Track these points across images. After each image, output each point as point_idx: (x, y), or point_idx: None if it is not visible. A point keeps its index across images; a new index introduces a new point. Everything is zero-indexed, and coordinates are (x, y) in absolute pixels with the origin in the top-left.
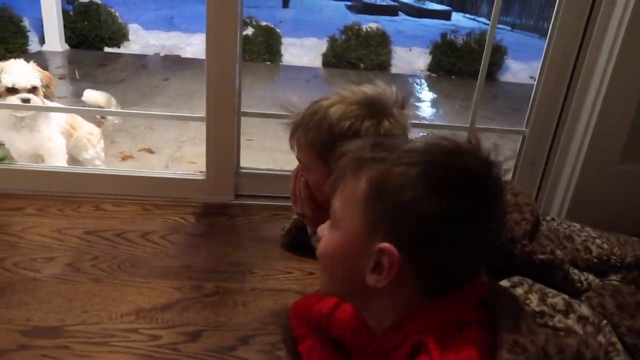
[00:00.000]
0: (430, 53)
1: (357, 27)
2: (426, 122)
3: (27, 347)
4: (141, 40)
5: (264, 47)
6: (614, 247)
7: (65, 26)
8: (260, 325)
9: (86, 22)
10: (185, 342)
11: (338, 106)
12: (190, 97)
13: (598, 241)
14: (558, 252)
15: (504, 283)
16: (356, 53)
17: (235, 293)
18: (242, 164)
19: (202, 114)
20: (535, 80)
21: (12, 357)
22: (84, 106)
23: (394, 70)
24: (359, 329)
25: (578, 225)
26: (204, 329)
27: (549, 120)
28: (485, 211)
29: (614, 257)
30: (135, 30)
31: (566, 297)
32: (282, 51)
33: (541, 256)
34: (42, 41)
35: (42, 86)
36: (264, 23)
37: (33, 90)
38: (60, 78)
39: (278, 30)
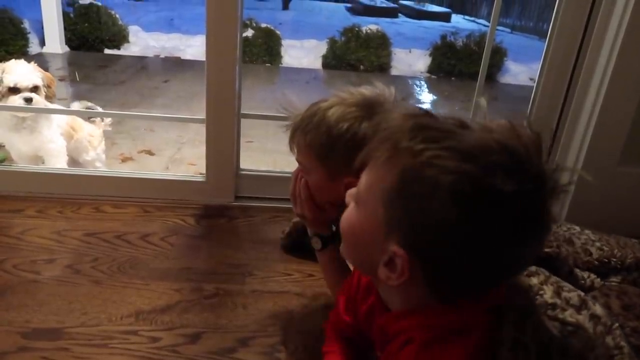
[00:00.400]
0: (430, 55)
1: (357, 29)
2: None
3: (27, 349)
4: (141, 42)
5: (264, 49)
6: (614, 249)
7: (65, 28)
8: (260, 327)
9: (86, 24)
10: (184, 344)
11: (336, 108)
12: (190, 98)
13: (598, 244)
14: (563, 249)
15: None
16: (356, 55)
17: (235, 295)
18: (242, 165)
19: (202, 115)
20: (535, 82)
21: (12, 359)
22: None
23: (394, 72)
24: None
25: (578, 228)
26: (204, 331)
27: (549, 122)
28: (519, 240)
29: (614, 259)
30: (135, 32)
31: (582, 294)
32: (282, 53)
33: (547, 249)
34: (42, 43)
35: (44, 86)
36: (263, 25)
37: (35, 89)
38: (60, 80)
39: (278, 32)
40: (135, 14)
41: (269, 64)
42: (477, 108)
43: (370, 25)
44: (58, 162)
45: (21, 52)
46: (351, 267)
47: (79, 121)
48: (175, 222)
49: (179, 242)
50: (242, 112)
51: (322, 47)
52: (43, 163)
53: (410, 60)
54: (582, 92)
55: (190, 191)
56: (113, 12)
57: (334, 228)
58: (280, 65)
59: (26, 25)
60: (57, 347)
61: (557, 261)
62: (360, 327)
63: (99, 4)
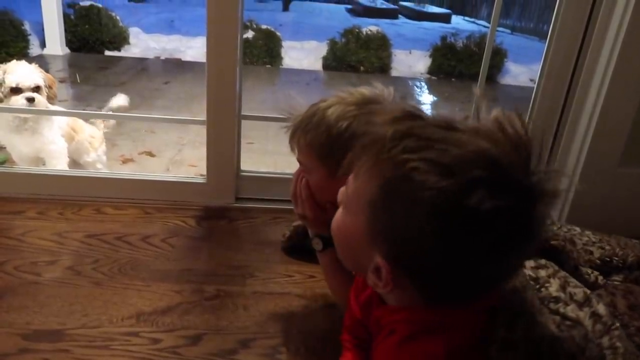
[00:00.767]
0: (431, 56)
1: (357, 30)
2: None
3: (28, 351)
4: (142, 44)
5: (265, 50)
6: (615, 248)
7: (66, 30)
8: (261, 329)
9: (87, 26)
10: (185, 345)
11: (335, 107)
12: (191, 100)
13: (599, 244)
14: (568, 244)
15: (529, 263)
16: (356, 56)
17: (236, 296)
18: (243, 167)
19: (203, 117)
20: (535, 83)
21: None
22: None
23: (394, 73)
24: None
25: (578, 229)
26: (205, 333)
27: (549, 123)
28: (502, 254)
29: (616, 258)
30: (136, 34)
31: (588, 291)
32: (283, 54)
33: (553, 242)
34: (42, 45)
35: (45, 87)
36: (264, 26)
37: (37, 89)
38: (61, 81)
39: (278, 33)
40: (136, 15)
41: (270, 66)
42: (474, 99)
43: (370, 26)
44: (59, 164)
45: (22, 54)
46: None
47: (79, 123)
48: (176, 223)
49: (180, 244)
50: (242, 113)
51: (323, 49)
52: (44, 165)
53: (411, 62)
54: (583, 93)
55: (191, 192)
56: (114, 14)
57: None
58: (280, 66)
59: (27, 27)
60: (57, 348)
61: (562, 255)
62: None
63: (100, 5)
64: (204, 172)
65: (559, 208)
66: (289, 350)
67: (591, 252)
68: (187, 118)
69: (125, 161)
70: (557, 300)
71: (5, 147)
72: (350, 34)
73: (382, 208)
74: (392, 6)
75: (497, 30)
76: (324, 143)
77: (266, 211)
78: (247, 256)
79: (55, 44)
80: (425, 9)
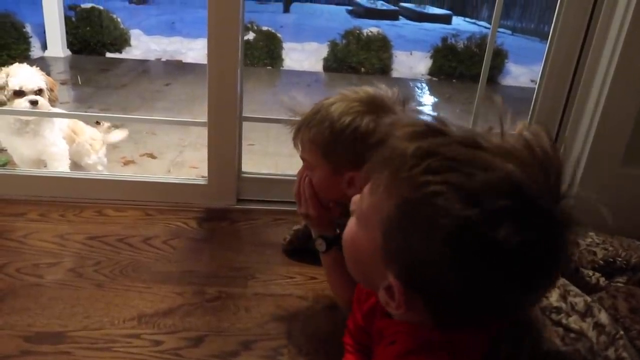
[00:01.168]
0: (431, 57)
1: (358, 32)
2: None
3: (30, 353)
4: (143, 46)
5: (265, 52)
6: (618, 249)
7: (67, 32)
8: (263, 330)
9: (88, 28)
10: (187, 347)
11: (339, 104)
12: (192, 101)
13: (602, 245)
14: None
15: None
16: (357, 57)
17: (237, 298)
18: (244, 168)
19: (204, 118)
20: (536, 84)
21: None
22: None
23: (395, 74)
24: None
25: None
26: (206, 334)
27: (550, 124)
28: (524, 286)
29: (620, 259)
30: (137, 36)
31: (588, 299)
32: (283, 56)
33: None
34: (44, 47)
35: (47, 89)
36: (265, 28)
37: (39, 92)
38: (62, 83)
39: (279, 35)
40: (137, 17)
41: (270, 67)
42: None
43: (371, 27)
44: (60, 166)
45: (23, 56)
46: None
47: (80, 125)
48: (178, 225)
49: (181, 245)
50: (243, 115)
51: (323, 50)
52: (45, 167)
53: (411, 63)
54: (584, 93)
55: (192, 194)
56: (115, 16)
57: (338, 230)
58: (281, 68)
59: (28, 29)
60: (59, 351)
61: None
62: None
63: (101, 7)
64: (205, 173)
65: None
66: (290, 352)
67: (594, 253)
68: (189, 120)
69: (126, 163)
70: (558, 310)
71: (6, 150)
72: (351, 35)
73: (397, 228)
74: (392, 7)
75: (498, 31)
76: (327, 139)
77: (267, 212)
78: (248, 258)
79: (57, 46)
80: (425, 10)
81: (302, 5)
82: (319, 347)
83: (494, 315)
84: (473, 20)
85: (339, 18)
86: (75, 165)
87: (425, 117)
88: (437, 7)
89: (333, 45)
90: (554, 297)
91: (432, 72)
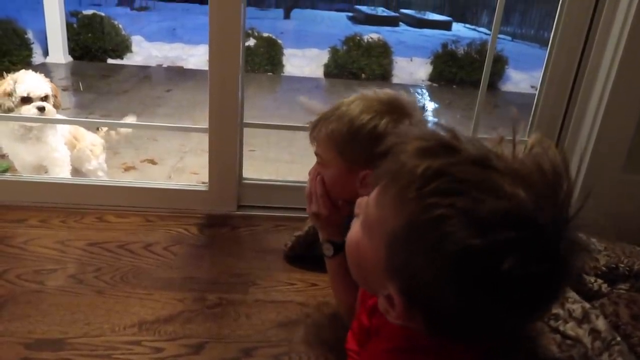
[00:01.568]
0: (432, 63)
1: (358, 38)
2: None
3: None
4: (144, 52)
5: (266, 58)
6: (620, 256)
7: (69, 38)
8: (264, 337)
9: (90, 34)
10: (188, 354)
11: (359, 102)
12: (193, 107)
13: (605, 252)
14: None
15: None
16: (358, 63)
17: (238, 304)
18: (245, 174)
19: (205, 124)
20: (536, 90)
21: None
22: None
23: (395, 80)
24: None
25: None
26: (207, 341)
27: (551, 130)
28: (525, 312)
29: (622, 266)
30: (138, 42)
31: (587, 306)
32: (284, 62)
33: None
34: (45, 53)
35: (52, 95)
36: (265, 34)
37: (45, 98)
38: (63, 90)
39: (280, 41)
40: (138, 23)
41: (271, 73)
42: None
43: (371, 34)
44: (62, 172)
45: (25, 62)
46: None
47: (81, 131)
48: (178, 231)
49: (182, 252)
50: (244, 121)
51: (324, 56)
52: (46, 172)
53: (412, 69)
54: (585, 99)
55: (193, 200)
56: (116, 22)
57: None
58: (282, 74)
59: (30, 35)
60: (59, 358)
61: None
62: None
63: (102, 14)
64: (206, 179)
65: None
66: (291, 359)
67: (597, 260)
68: (190, 126)
69: (127, 169)
70: (556, 317)
71: (7, 155)
72: (352, 41)
73: (402, 246)
74: (393, 14)
75: (498, 38)
76: (345, 135)
77: (268, 219)
78: (249, 264)
79: (58, 52)
80: (426, 17)
81: (302, 11)
82: (320, 354)
83: (491, 335)
84: (473, 27)
85: (339, 24)
86: (75, 171)
87: (437, 128)
88: (437, 13)
89: (334, 52)
90: None
91: (433, 78)
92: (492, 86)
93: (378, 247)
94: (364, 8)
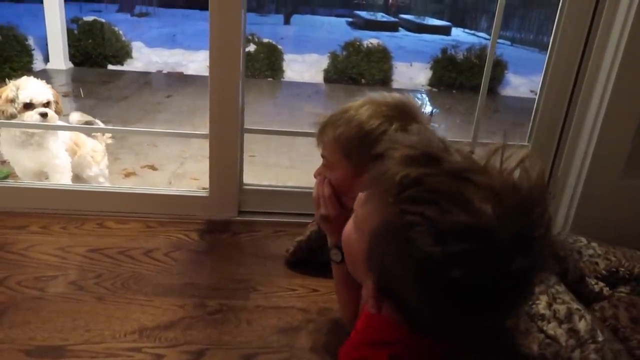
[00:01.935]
0: (431, 68)
1: (358, 43)
2: None
3: None
4: (144, 58)
5: (266, 64)
6: (621, 260)
7: (69, 44)
8: (265, 343)
9: (90, 40)
10: None
11: (368, 106)
12: (193, 113)
13: (604, 256)
14: (574, 254)
15: None
16: (357, 68)
17: (239, 310)
18: (245, 179)
19: (205, 130)
20: (536, 94)
21: None
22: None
23: (395, 85)
24: None
25: (584, 241)
26: (208, 348)
27: (551, 135)
28: (488, 316)
29: (622, 269)
30: (138, 48)
31: (573, 307)
32: (284, 67)
33: (561, 253)
34: (46, 59)
35: (54, 101)
36: (265, 40)
37: (47, 104)
38: (64, 96)
39: (280, 46)
40: (138, 30)
41: (271, 79)
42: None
43: (371, 39)
44: (63, 178)
45: (25, 69)
46: None
47: (82, 137)
48: (179, 237)
49: (183, 258)
50: (245, 127)
51: (324, 61)
52: (47, 179)
53: (411, 74)
54: (584, 104)
55: (193, 206)
56: (116, 29)
57: None
58: (282, 79)
59: (31, 41)
60: None
61: (569, 264)
62: None
63: (103, 20)
64: (206, 185)
65: (562, 219)
66: None
67: (596, 264)
68: (191, 132)
69: (127, 175)
70: (543, 317)
71: (7, 162)
72: (351, 46)
73: (378, 244)
74: (392, 19)
75: (497, 42)
76: (353, 139)
77: (269, 224)
78: (250, 270)
79: (59, 58)
80: (425, 22)
81: (302, 17)
82: None
83: (457, 332)
84: (472, 32)
85: (339, 30)
86: (76, 177)
87: (432, 137)
88: (437, 18)
89: (333, 57)
90: (542, 305)
91: (432, 83)
92: (492, 91)
93: (363, 240)
94: (363, 13)
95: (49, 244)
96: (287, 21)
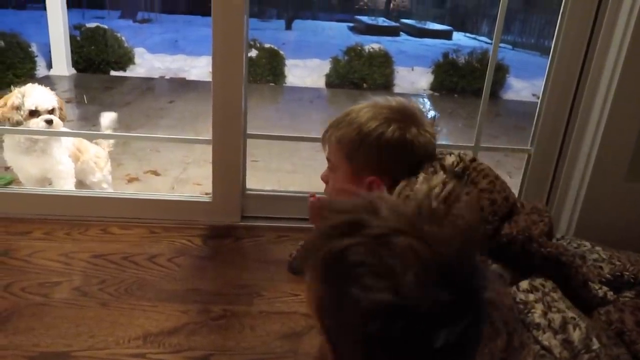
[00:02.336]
0: (433, 72)
1: (359, 48)
2: None
3: None
4: (147, 64)
5: (268, 69)
6: (626, 264)
7: (72, 51)
8: (268, 349)
9: (93, 47)
10: None
11: (369, 109)
12: (195, 118)
13: (609, 260)
14: (577, 260)
15: (524, 284)
16: (359, 73)
17: (243, 316)
18: (247, 185)
19: (207, 135)
20: (538, 98)
21: None
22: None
23: (397, 89)
24: None
25: (588, 245)
26: (212, 354)
27: (554, 139)
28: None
29: (627, 273)
30: (141, 54)
31: (568, 315)
32: (286, 72)
33: (562, 258)
34: (49, 66)
35: (59, 108)
36: (267, 45)
37: (52, 111)
38: (67, 102)
39: (281, 51)
40: (141, 36)
41: (273, 84)
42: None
43: (372, 43)
44: (66, 184)
45: (29, 75)
46: None
47: (85, 143)
48: (182, 242)
49: (186, 263)
50: (248, 132)
51: (325, 66)
52: (50, 185)
53: (413, 78)
54: (587, 107)
55: (196, 212)
56: (119, 35)
57: None
58: (284, 84)
59: (34, 48)
60: None
61: (571, 269)
62: None
63: (105, 27)
64: (209, 190)
65: (566, 223)
66: None
67: (601, 268)
68: (194, 138)
69: (131, 180)
70: (538, 327)
71: (10, 168)
72: (353, 51)
73: (318, 310)
74: (393, 24)
75: (499, 46)
76: (353, 140)
77: (272, 229)
78: (253, 275)
79: (62, 65)
80: (426, 26)
81: (303, 22)
82: None
83: None
84: (473, 36)
85: (340, 34)
86: (80, 183)
87: (360, 198)
88: (438, 23)
89: (335, 62)
90: (537, 314)
91: (434, 87)
92: (494, 95)
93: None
94: (364, 18)
95: (53, 250)
96: (288, 26)
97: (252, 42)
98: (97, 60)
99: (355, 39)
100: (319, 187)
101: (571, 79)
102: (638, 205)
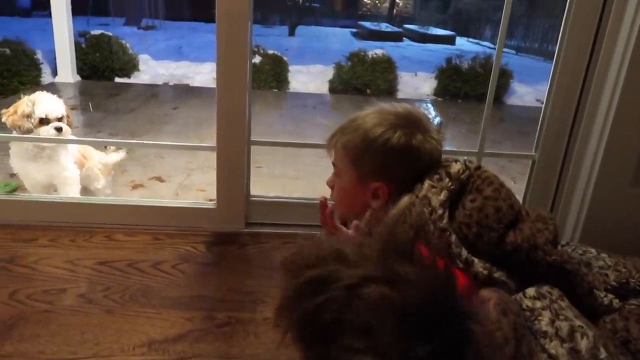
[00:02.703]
0: (436, 77)
1: (362, 53)
2: None
3: None
4: (151, 70)
5: (272, 75)
6: (631, 271)
7: (77, 58)
8: (273, 356)
9: (97, 54)
10: None
11: (375, 115)
12: (199, 125)
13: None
14: (582, 267)
15: (530, 291)
16: (362, 79)
17: (247, 323)
18: (251, 191)
19: (211, 141)
20: (542, 103)
21: None
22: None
23: (400, 95)
24: None
25: (594, 251)
26: None
27: (558, 144)
28: None
29: (633, 281)
30: (145, 61)
31: (576, 324)
32: (289, 78)
33: (567, 266)
34: (54, 73)
35: (66, 115)
36: (271, 51)
37: (60, 119)
38: (72, 109)
39: (285, 58)
40: (145, 42)
41: (277, 90)
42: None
43: (375, 49)
44: (72, 191)
45: (34, 82)
46: None
47: (89, 149)
48: (187, 249)
49: (190, 270)
50: (252, 138)
51: (329, 72)
52: (55, 191)
53: (416, 83)
54: (592, 112)
55: (201, 218)
56: (123, 42)
57: None
58: (287, 90)
59: (39, 55)
60: None
61: (576, 277)
62: None
63: (110, 34)
64: (213, 196)
65: (571, 229)
66: None
67: (606, 275)
68: (198, 145)
69: (135, 186)
70: (545, 335)
71: (16, 174)
72: (356, 57)
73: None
74: (396, 29)
75: (502, 51)
76: (358, 146)
77: (276, 236)
78: (257, 282)
79: (67, 72)
80: (429, 32)
81: (307, 28)
82: None
83: None
84: (476, 41)
85: (343, 40)
86: (84, 190)
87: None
88: (441, 28)
89: (338, 67)
90: (544, 321)
91: (437, 92)
92: (498, 100)
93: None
94: (367, 24)
95: (58, 257)
96: (291, 32)
97: (255, 49)
98: (101, 67)
99: (359, 44)
100: (322, 193)
101: (575, 84)
102: None
